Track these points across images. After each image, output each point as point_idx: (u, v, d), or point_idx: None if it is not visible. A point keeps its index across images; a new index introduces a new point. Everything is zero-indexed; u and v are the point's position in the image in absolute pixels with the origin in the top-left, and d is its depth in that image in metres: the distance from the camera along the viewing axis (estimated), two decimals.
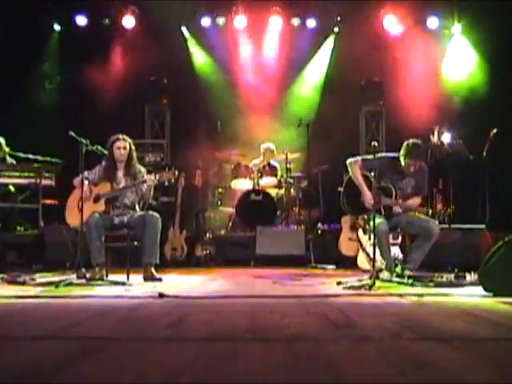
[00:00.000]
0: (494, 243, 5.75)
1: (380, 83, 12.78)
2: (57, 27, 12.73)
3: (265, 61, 12.90)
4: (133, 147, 7.45)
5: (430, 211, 7.10)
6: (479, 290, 5.59)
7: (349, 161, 7.43)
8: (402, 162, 7.19)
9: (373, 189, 6.99)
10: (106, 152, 7.31)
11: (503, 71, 11.39)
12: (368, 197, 7.16)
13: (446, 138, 10.18)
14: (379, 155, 7.30)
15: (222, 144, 11.52)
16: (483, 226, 8.83)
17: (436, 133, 10.30)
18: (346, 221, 9.41)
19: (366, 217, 7.64)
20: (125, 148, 7.35)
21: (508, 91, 11.24)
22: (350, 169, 7.38)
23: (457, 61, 12.35)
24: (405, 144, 7.19)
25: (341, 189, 7.72)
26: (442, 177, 10.06)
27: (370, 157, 7.08)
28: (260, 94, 12.49)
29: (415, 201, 7.34)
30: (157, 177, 7.08)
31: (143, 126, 13.03)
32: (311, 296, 5.65)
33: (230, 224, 11.08)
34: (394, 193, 7.21)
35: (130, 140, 7.43)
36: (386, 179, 7.26)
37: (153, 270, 7.11)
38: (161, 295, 5.39)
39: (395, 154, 7.30)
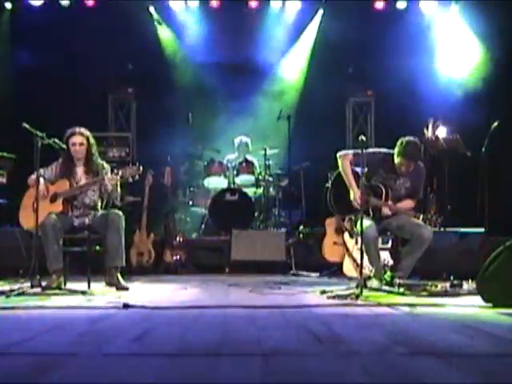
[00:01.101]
0: (494, 248, 5.77)
1: (369, 71, 12.78)
2: (8, 5, 12.55)
3: (242, 47, 12.83)
4: (92, 141, 7.37)
5: (422, 216, 7.08)
6: (477, 299, 5.62)
7: (339, 153, 7.42)
8: (396, 161, 7.20)
9: (360, 186, 6.96)
10: (64, 146, 7.24)
11: (506, 58, 11.43)
12: (356, 195, 7.16)
13: (442, 132, 10.20)
14: (373, 150, 7.33)
15: (193, 138, 11.50)
16: (482, 230, 8.87)
17: (430, 126, 10.32)
18: (330, 223, 9.43)
19: (353, 218, 7.64)
20: (81, 144, 7.27)
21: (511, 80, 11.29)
22: (339, 162, 7.37)
23: (454, 46, 12.38)
24: (399, 142, 7.19)
25: (328, 184, 7.72)
26: (437, 175, 10.09)
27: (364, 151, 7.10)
28: (236, 83, 12.42)
29: (407, 204, 7.35)
30: (119, 173, 7.02)
31: (106, 117, 12.92)
32: (292, 306, 5.65)
33: (203, 226, 11.06)
34: (383, 193, 7.22)
35: (88, 133, 7.34)
36: (377, 177, 7.28)
37: (119, 275, 7.08)
38: (125, 306, 5.36)
39: (391, 151, 7.30)
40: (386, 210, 7.24)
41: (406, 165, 7.17)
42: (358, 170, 7.09)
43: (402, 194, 7.35)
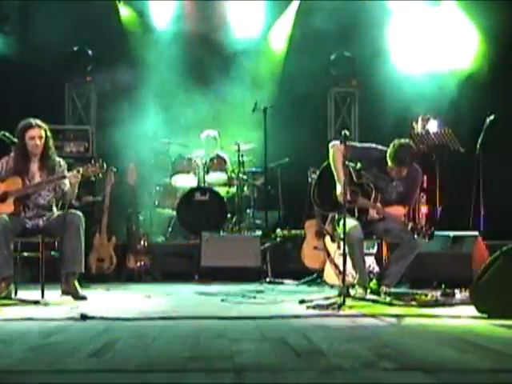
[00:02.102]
0: (489, 254, 5.81)
1: (353, 59, 12.78)
2: None
3: (213, 32, 12.79)
4: (49, 134, 7.32)
5: (410, 225, 6.98)
6: (471, 310, 5.65)
7: (332, 143, 7.35)
8: (388, 164, 7.18)
9: (345, 180, 6.90)
10: (15, 140, 7.18)
11: (503, 49, 11.47)
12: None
13: (433, 126, 10.27)
14: (370, 146, 7.32)
15: (159, 132, 11.45)
16: (476, 233, 8.92)
17: (420, 120, 10.39)
18: (310, 226, 9.43)
19: (336, 217, 7.60)
20: (40, 137, 7.21)
21: (510, 70, 11.33)
22: (330, 152, 7.30)
23: (448, 33, 12.41)
24: (391, 144, 7.14)
25: (314, 176, 7.71)
26: (428, 173, 10.13)
27: (359, 145, 7.09)
28: (207, 72, 12.38)
29: (397, 210, 7.29)
30: (80, 171, 6.98)
31: (62, 108, 12.81)
32: (268, 317, 5.66)
33: (170, 229, 11.04)
34: (373, 194, 7.20)
35: (45, 126, 7.29)
36: (369, 176, 7.25)
37: (76, 282, 7.03)
38: (83, 317, 5.34)
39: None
40: (373, 213, 7.20)
41: (397, 170, 7.14)
42: (351, 164, 7.09)
43: (393, 198, 7.29)
